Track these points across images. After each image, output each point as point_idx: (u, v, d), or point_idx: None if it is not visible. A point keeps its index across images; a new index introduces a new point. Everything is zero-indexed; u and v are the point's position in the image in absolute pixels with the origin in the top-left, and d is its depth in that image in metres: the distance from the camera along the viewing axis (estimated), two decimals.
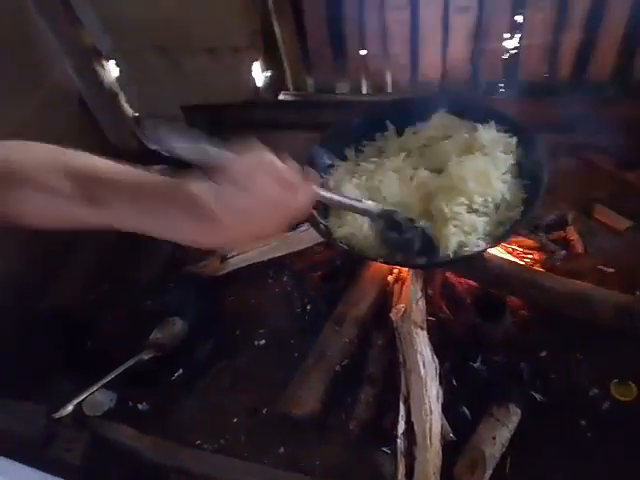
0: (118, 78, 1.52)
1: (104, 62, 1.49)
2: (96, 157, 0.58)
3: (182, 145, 0.57)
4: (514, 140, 0.98)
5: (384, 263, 0.94)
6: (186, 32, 1.33)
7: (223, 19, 1.33)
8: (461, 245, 0.89)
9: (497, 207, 0.93)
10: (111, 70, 1.52)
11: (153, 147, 0.55)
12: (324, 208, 0.98)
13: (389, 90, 1.46)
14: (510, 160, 0.96)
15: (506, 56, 1.30)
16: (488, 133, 0.99)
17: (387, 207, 0.86)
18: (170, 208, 0.56)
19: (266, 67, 1.47)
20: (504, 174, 0.95)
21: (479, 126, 1.00)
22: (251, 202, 0.57)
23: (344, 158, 1.09)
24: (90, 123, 1.50)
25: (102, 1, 1.32)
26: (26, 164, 0.54)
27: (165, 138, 0.55)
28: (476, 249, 0.89)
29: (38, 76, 1.32)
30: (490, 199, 0.92)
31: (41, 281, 1.25)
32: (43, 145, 0.58)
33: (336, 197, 0.79)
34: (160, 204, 0.56)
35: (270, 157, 0.60)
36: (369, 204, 0.83)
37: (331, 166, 1.06)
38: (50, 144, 0.57)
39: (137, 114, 1.58)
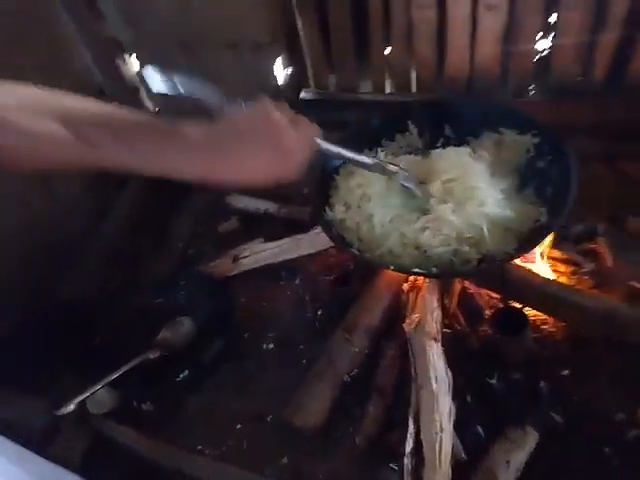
0: (139, 72, 1.51)
1: (125, 55, 1.48)
2: (90, 99, 0.60)
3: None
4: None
5: (396, 271, 0.90)
6: (208, 28, 1.31)
7: (245, 14, 1.30)
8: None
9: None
10: (132, 63, 1.51)
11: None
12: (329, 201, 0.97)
13: (413, 89, 1.42)
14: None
15: (537, 57, 1.24)
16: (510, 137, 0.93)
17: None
18: (161, 144, 0.59)
19: (288, 64, 1.44)
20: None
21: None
22: (239, 141, 0.60)
23: None
24: None
25: None
26: (6, 106, 0.54)
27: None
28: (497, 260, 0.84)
29: (57, 65, 1.30)
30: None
31: (53, 272, 1.23)
32: (28, 87, 0.59)
33: (336, 148, 0.78)
34: (152, 141, 0.59)
35: (274, 112, 0.62)
36: (370, 158, 0.84)
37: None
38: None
39: (157, 109, 1.57)
